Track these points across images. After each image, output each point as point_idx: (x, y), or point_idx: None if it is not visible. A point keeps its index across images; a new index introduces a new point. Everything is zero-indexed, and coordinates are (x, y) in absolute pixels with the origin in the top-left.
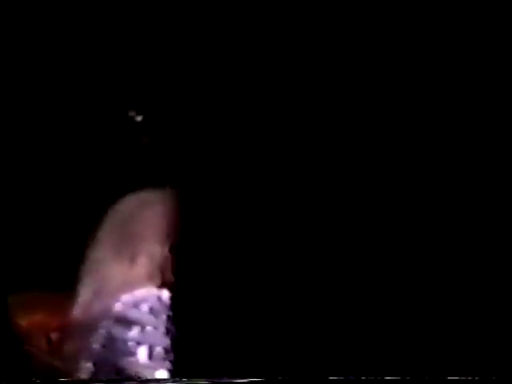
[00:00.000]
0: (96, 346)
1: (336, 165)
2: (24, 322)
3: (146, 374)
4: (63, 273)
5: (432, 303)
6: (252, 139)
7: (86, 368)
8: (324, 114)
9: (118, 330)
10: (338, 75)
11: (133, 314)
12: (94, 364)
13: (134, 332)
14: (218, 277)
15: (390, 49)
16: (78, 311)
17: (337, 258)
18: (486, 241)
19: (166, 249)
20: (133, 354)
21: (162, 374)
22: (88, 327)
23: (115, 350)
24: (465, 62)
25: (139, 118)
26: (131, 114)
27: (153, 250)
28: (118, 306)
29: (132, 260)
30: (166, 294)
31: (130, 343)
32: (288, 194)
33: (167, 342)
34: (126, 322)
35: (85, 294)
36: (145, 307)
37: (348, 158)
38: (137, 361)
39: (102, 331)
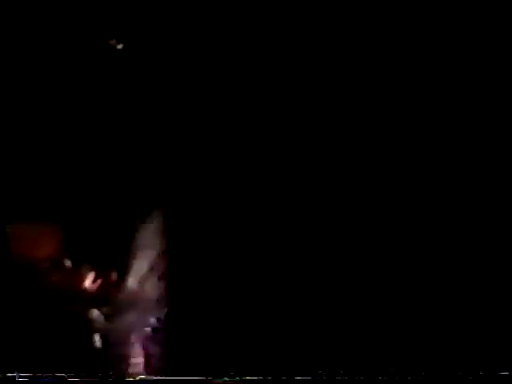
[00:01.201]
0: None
1: (333, 164)
2: (18, 251)
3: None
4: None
5: (430, 303)
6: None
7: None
8: (319, 115)
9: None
10: (338, 75)
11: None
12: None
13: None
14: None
15: (389, 49)
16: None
17: (330, 257)
18: (486, 241)
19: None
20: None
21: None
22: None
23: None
24: (465, 62)
25: (120, 47)
26: (112, 42)
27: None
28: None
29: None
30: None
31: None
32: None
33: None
34: None
35: None
36: None
37: (347, 157)
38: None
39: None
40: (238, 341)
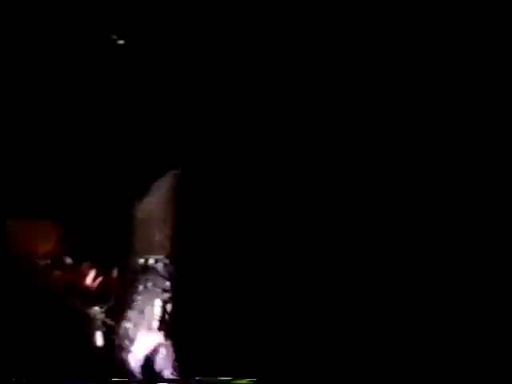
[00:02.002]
0: None
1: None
2: (17, 248)
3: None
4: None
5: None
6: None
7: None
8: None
9: None
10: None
11: None
12: None
13: None
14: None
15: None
16: None
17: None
18: (486, 241)
19: None
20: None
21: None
22: None
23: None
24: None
25: (121, 42)
26: (113, 37)
27: None
28: None
29: None
30: None
31: None
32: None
33: None
34: None
35: None
36: None
37: (348, 158)
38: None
39: None
40: (237, 343)
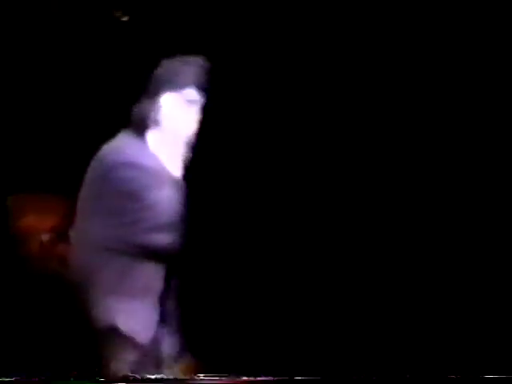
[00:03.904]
0: None
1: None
2: (20, 223)
3: None
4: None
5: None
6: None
7: None
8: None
9: None
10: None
11: None
12: None
13: None
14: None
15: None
16: None
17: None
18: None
19: None
20: None
21: None
22: None
23: None
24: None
25: (125, 19)
26: (117, 14)
27: None
28: None
29: None
30: None
31: None
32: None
33: None
34: None
35: None
36: None
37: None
38: None
39: None
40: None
